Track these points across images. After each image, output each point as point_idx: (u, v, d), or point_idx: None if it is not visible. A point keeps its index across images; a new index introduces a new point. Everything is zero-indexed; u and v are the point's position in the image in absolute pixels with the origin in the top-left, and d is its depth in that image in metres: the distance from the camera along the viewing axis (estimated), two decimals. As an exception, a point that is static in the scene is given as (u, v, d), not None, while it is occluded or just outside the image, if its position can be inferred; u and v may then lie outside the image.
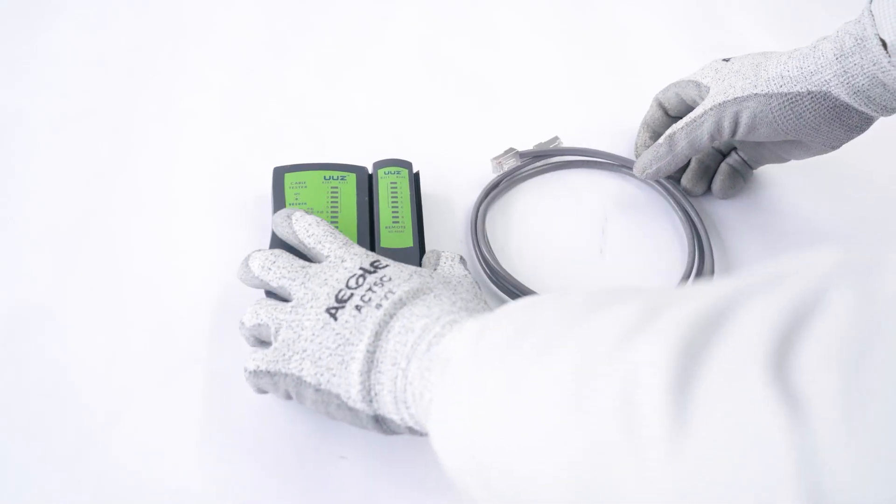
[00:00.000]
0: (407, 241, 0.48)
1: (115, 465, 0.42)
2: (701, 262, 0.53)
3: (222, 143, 0.60)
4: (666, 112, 0.57)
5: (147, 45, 0.69)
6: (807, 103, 0.45)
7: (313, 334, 0.38)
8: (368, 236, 0.48)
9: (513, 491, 0.27)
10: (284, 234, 0.45)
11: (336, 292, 0.38)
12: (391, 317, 0.36)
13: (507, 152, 0.58)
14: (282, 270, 0.41)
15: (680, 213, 0.56)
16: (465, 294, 0.39)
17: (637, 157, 0.55)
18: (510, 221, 0.56)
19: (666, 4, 0.78)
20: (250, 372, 0.40)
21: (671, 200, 0.57)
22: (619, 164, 0.59)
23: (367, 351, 0.36)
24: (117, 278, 0.51)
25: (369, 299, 0.37)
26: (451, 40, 0.72)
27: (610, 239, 0.55)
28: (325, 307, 0.38)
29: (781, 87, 0.46)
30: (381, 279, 0.38)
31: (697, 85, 0.52)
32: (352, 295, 0.38)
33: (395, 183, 0.50)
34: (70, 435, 0.43)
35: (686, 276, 0.52)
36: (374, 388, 0.36)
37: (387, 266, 0.39)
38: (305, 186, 0.50)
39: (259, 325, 0.41)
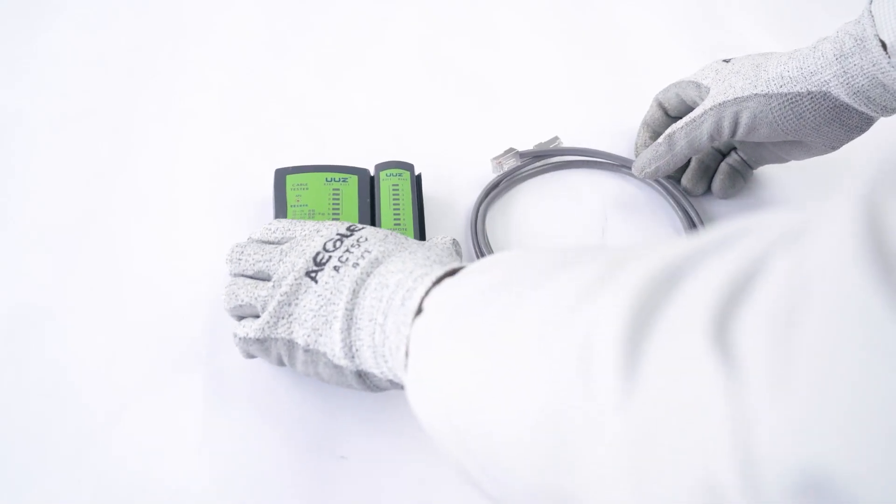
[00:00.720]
0: None
1: (115, 465, 0.42)
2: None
3: (222, 144, 0.60)
4: (666, 112, 0.57)
5: (147, 45, 0.69)
6: (807, 103, 0.45)
7: (297, 298, 0.39)
8: None
9: (483, 448, 0.27)
10: (245, 268, 0.43)
11: (314, 255, 0.39)
12: (368, 275, 0.37)
13: (507, 152, 0.58)
14: (254, 256, 0.42)
15: (680, 213, 0.56)
16: (440, 251, 0.39)
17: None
18: (510, 221, 0.56)
19: (666, 4, 0.78)
20: (240, 339, 0.41)
21: (671, 200, 0.57)
22: (619, 164, 0.59)
23: (346, 309, 0.37)
24: (117, 278, 0.51)
25: (346, 259, 0.38)
26: (451, 40, 0.72)
27: (610, 239, 0.55)
28: (305, 271, 0.39)
29: (781, 87, 0.46)
30: (357, 241, 0.39)
31: (698, 86, 0.52)
32: (329, 258, 0.39)
33: (397, 185, 0.51)
34: (70, 435, 0.43)
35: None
36: (354, 345, 0.37)
37: (363, 229, 0.41)
38: (307, 188, 0.50)
39: (241, 305, 0.41)
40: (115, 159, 0.59)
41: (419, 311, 0.33)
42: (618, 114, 0.63)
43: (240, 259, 0.42)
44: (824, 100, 0.45)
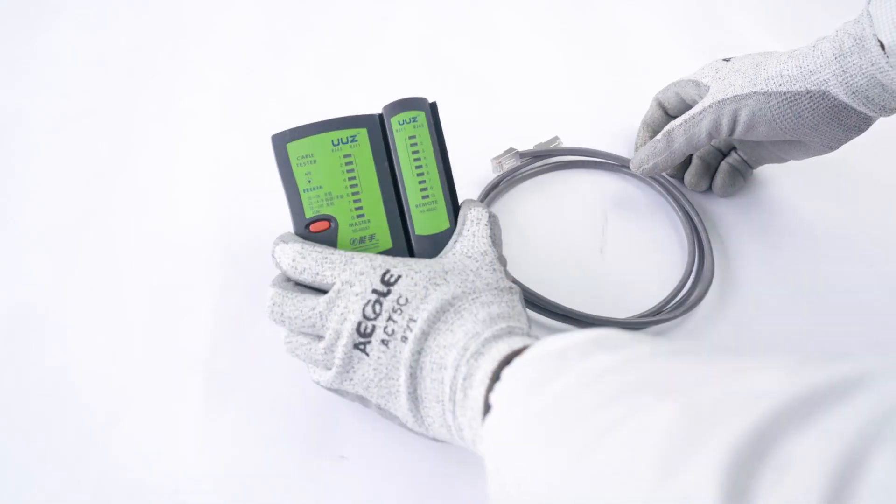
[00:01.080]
0: (443, 222, 0.43)
1: (114, 466, 0.42)
2: (701, 262, 0.53)
3: (222, 144, 0.60)
4: (666, 111, 0.57)
5: (147, 46, 0.69)
6: (805, 102, 0.45)
7: (353, 368, 0.38)
8: (400, 223, 0.44)
9: None
10: (291, 328, 0.41)
11: (357, 325, 0.37)
12: (419, 352, 0.36)
13: (507, 152, 0.58)
14: (295, 319, 0.40)
15: (680, 213, 0.56)
16: (486, 292, 0.38)
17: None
18: (510, 221, 0.56)
19: (666, 4, 0.78)
20: (316, 383, 0.41)
21: (671, 200, 0.57)
22: (619, 164, 0.59)
23: (409, 391, 0.36)
24: (117, 278, 0.51)
25: (392, 331, 0.37)
26: (452, 40, 0.72)
27: (610, 239, 0.55)
28: (352, 344, 0.37)
29: (780, 85, 0.46)
30: (397, 302, 0.37)
31: (697, 84, 0.52)
32: (374, 328, 0.37)
33: (415, 137, 0.43)
34: (70, 435, 0.43)
35: (686, 276, 0.52)
36: (426, 420, 0.36)
37: (399, 279, 0.38)
38: (314, 161, 0.42)
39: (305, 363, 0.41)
40: (115, 159, 0.59)
41: (486, 404, 0.32)
42: (618, 114, 0.63)
43: (282, 320, 0.40)
44: (823, 99, 0.45)
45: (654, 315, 0.49)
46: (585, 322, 0.48)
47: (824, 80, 0.44)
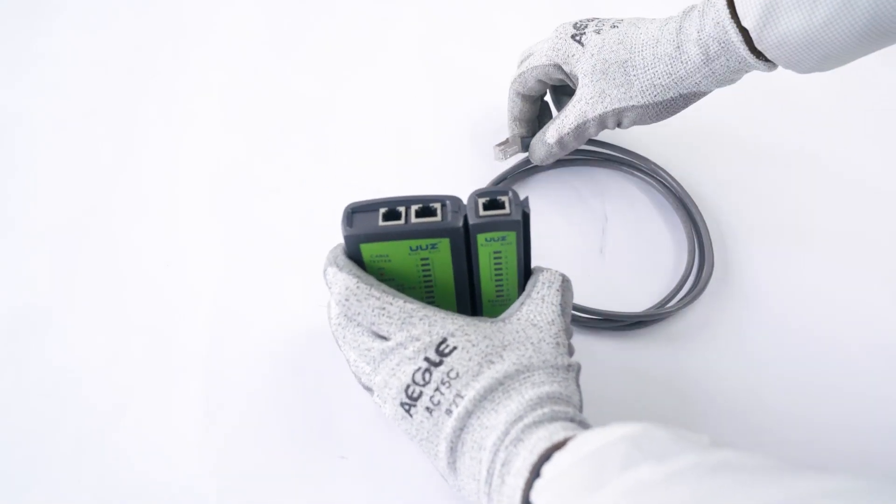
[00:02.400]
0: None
1: (115, 466, 0.42)
2: (701, 261, 0.53)
3: (223, 144, 0.61)
4: (530, 100, 0.57)
5: (148, 46, 0.69)
6: (680, 102, 0.49)
7: (399, 420, 0.37)
8: (470, 307, 0.42)
9: None
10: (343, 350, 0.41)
11: (405, 387, 0.37)
12: (462, 430, 0.35)
13: (510, 139, 0.57)
14: (350, 351, 0.39)
15: (680, 213, 0.56)
16: (541, 370, 0.36)
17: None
18: (510, 221, 0.56)
19: (666, 4, 0.78)
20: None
21: (671, 200, 0.57)
22: (618, 162, 0.59)
23: (448, 462, 0.36)
24: (118, 278, 0.51)
25: (438, 402, 0.36)
26: (451, 40, 0.72)
27: (610, 239, 0.55)
28: (398, 401, 0.37)
29: (655, 96, 0.48)
30: (447, 375, 0.36)
31: (560, 68, 0.52)
32: (421, 394, 0.36)
33: (500, 252, 0.39)
34: (71, 435, 0.43)
35: (685, 276, 0.52)
36: (462, 491, 0.36)
37: (453, 350, 0.37)
38: (390, 261, 0.39)
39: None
40: (115, 160, 0.59)
41: (525, 499, 0.32)
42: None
43: (338, 343, 0.40)
44: (695, 95, 0.49)
45: (659, 308, 0.49)
46: (588, 313, 0.48)
47: (696, 83, 0.47)
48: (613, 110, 0.49)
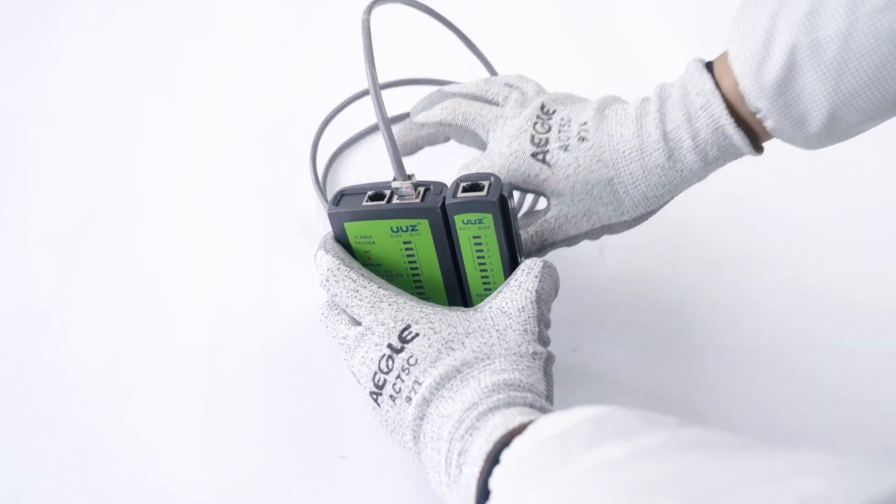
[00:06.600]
0: None
1: (115, 466, 0.42)
2: (701, 262, 0.53)
3: (225, 144, 0.61)
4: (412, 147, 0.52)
5: (149, 46, 0.69)
6: (669, 201, 0.44)
7: (372, 413, 0.38)
8: (460, 299, 0.43)
9: None
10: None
11: (373, 375, 0.37)
12: (421, 419, 0.36)
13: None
14: (331, 331, 0.41)
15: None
16: (503, 358, 0.36)
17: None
18: (510, 221, 0.56)
19: (667, 5, 0.78)
20: None
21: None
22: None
23: (414, 452, 0.36)
24: (119, 279, 0.51)
25: (399, 389, 0.36)
26: (451, 40, 0.72)
27: (610, 239, 0.55)
28: (368, 390, 0.38)
29: (648, 207, 0.43)
30: (407, 361, 0.36)
31: (528, 182, 0.44)
32: (385, 381, 0.37)
33: (480, 237, 0.39)
34: (70, 435, 0.43)
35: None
36: (431, 483, 0.36)
37: (415, 337, 0.37)
38: (374, 243, 0.41)
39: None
40: (116, 160, 0.59)
41: (482, 486, 0.31)
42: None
43: (323, 326, 0.41)
44: (685, 191, 0.44)
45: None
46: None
47: (690, 185, 0.43)
48: (602, 227, 0.45)
